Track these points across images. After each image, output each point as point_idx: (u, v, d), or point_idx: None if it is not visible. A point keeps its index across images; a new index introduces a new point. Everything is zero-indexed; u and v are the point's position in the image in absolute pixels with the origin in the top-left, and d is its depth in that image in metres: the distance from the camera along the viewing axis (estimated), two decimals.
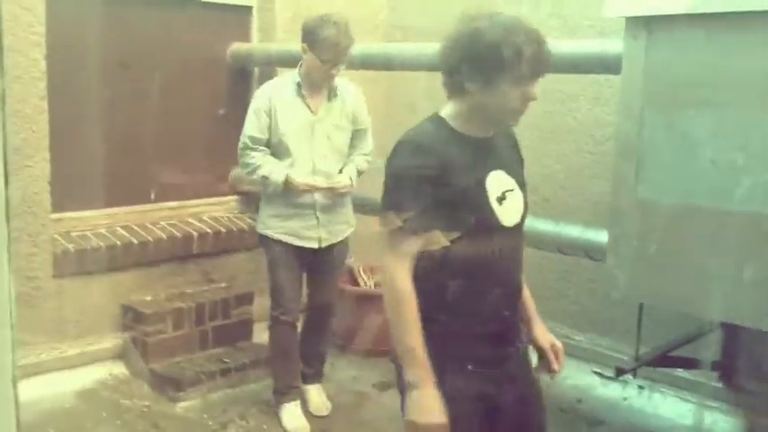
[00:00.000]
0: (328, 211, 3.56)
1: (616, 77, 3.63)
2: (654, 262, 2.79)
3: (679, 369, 3.63)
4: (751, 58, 2.49)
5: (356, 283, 4.63)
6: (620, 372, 3.14)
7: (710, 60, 2.59)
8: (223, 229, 4.42)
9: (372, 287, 4.68)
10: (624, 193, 2.83)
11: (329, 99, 3.49)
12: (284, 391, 3.66)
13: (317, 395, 3.82)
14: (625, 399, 3.90)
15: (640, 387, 3.87)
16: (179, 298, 4.21)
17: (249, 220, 4.55)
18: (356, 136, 3.60)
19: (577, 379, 4.09)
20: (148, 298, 4.15)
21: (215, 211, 4.59)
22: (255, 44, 4.66)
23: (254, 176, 3.52)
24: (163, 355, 4.00)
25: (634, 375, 3.26)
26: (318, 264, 3.66)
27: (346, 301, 4.55)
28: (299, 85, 3.46)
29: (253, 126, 3.48)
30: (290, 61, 4.33)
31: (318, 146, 3.49)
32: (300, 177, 3.44)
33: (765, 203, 2.47)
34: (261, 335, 4.46)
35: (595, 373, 4.04)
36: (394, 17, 4.88)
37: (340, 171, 3.58)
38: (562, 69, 3.23)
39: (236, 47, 4.59)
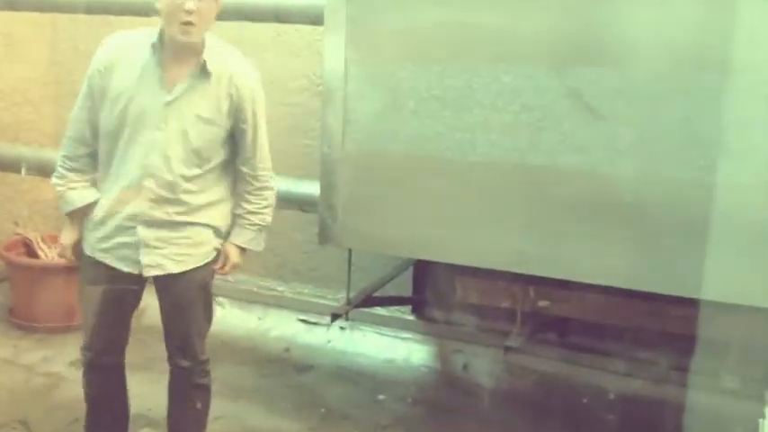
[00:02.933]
0: (159, 226, 2.44)
1: (306, 27, 3.72)
2: (363, 209, 2.93)
3: (376, 307, 3.90)
4: (444, 12, 2.69)
5: (35, 255, 4.15)
6: (335, 317, 3.27)
7: (407, 13, 2.74)
8: None
9: (54, 259, 4.24)
10: (333, 144, 2.91)
11: (198, 75, 2.36)
12: None
13: None
14: (329, 341, 4.08)
15: (342, 328, 4.08)
16: None
17: None
18: (240, 144, 2.48)
19: (283, 329, 4.18)
20: None
21: None
22: None
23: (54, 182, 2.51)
24: None
25: (347, 318, 3.41)
26: (161, 297, 2.60)
27: (25, 274, 4.09)
28: (153, 46, 2.35)
29: (82, 99, 2.42)
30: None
31: (165, 141, 2.36)
32: (121, 191, 2.42)
33: (463, 149, 2.71)
34: None
35: (300, 320, 4.17)
36: None
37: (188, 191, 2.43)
38: (266, 18, 3.20)
39: None
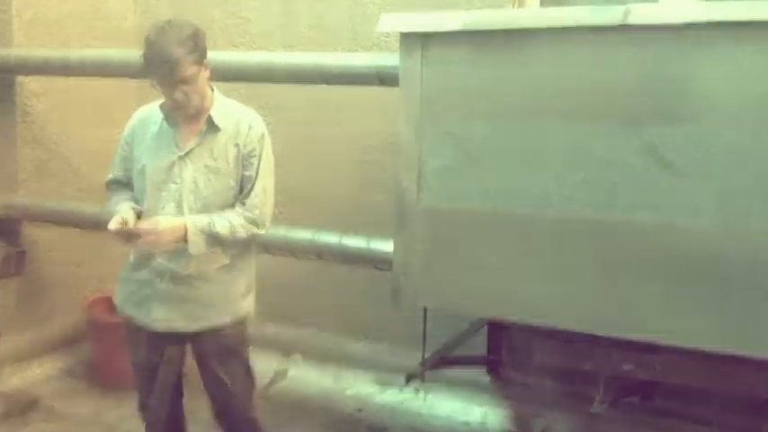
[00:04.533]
0: (178, 280, 2.56)
1: (379, 88, 3.76)
2: (437, 267, 2.88)
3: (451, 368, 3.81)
4: (518, 70, 2.66)
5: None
6: (409, 378, 3.21)
7: (481, 73, 2.74)
8: None
9: None
10: (407, 201, 2.89)
11: (206, 131, 2.54)
12: None
13: None
14: (403, 402, 4.01)
15: (416, 389, 4.00)
16: None
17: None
18: (244, 187, 2.59)
19: (357, 388, 4.13)
20: None
21: None
22: None
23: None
24: None
25: (422, 379, 3.34)
26: (196, 355, 2.72)
27: (107, 333, 4.18)
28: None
29: (116, 156, 2.71)
30: (32, 68, 3.90)
31: (179, 193, 2.52)
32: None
33: (538, 205, 2.66)
34: (7, 380, 3.95)
35: (374, 380, 4.11)
36: (145, 21, 4.59)
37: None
38: (339, 81, 3.26)
39: None
